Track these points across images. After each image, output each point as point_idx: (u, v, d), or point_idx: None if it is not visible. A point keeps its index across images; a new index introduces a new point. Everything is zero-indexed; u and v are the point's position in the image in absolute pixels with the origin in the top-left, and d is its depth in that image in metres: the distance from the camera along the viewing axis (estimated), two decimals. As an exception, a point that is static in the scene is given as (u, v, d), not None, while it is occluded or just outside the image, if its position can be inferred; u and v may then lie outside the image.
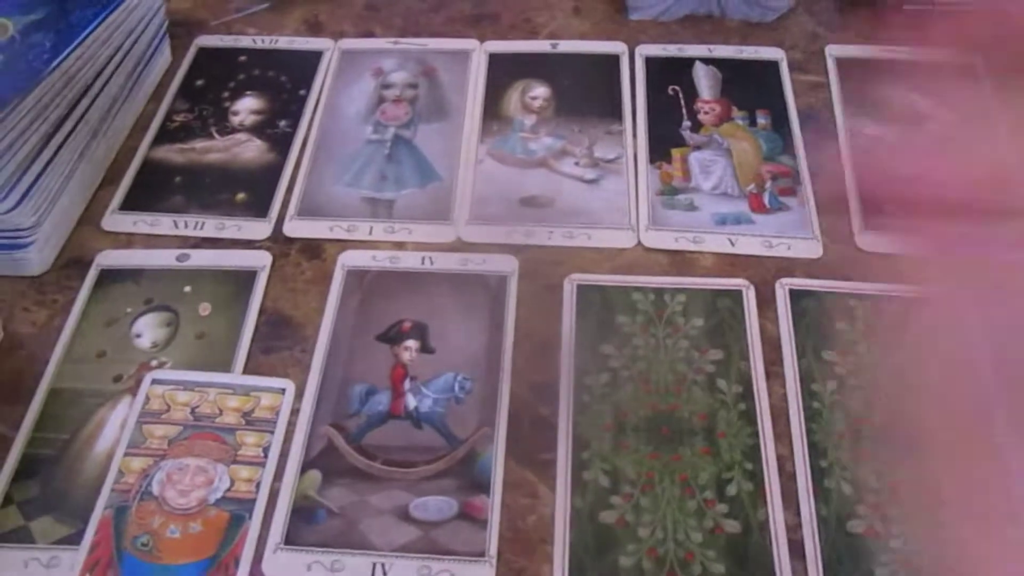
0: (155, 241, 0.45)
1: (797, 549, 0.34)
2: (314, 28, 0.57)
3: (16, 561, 0.35)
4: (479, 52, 0.54)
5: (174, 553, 0.35)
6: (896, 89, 0.50)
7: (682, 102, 0.50)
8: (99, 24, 0.46)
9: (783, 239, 0.44)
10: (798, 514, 0.35)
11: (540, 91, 0.52)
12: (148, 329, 0.42)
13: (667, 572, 0.34)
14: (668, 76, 0.52)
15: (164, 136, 0.50)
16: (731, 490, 0.36)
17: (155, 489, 0.37)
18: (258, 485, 0.37)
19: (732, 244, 0.44)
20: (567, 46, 0.54)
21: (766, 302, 0.42)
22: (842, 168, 0.47)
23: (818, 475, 0.36)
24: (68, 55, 0.44)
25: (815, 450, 0.37)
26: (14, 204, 0.41)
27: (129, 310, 0.43)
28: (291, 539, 0.35)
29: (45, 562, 0.35)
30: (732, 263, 0.43)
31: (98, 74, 0.47)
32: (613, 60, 0.53)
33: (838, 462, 0.36)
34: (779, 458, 0.36)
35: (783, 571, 0.34)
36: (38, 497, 0.37)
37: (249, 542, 0.35)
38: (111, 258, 0.45)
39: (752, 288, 0.42)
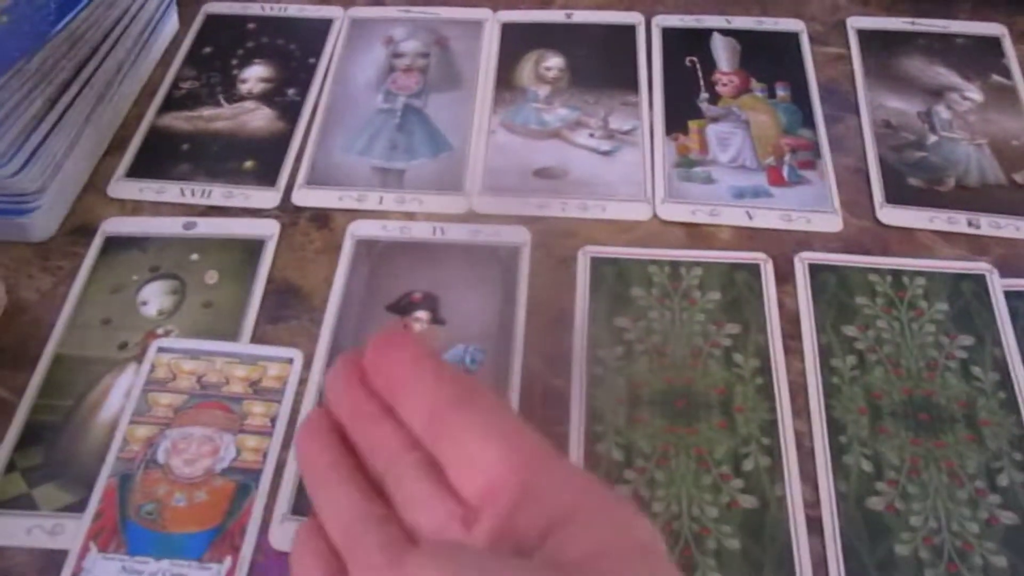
0: (162, 209, 0.45)
1: (815, 525, 0.33)
2: (324, -3, 0.56)
3: (19, 528, 0.35)
4: (492, 21, 0.53)
5: (180, 522, 0.35)
6: (919, 62, 0.49)
7: (699, 73, 0.49)
8: (105, -13, 0.45)
9: (802, 212, 0.43)
10: (816, 490, 0.34)
11: (554, 61, 0.51)
12: (154, 297, 0.42)
13: (681, 547, 0.33)
14: (685, 47, 0.51)
15: (171, 103, 0.49)
16: (747, 465, 0.35)
17: (161, 458, 0.36)
18: (265, 455, 0.36)
19: (750, 218, 0.43)
20: (582, 16, 0.53)
21: (784, 276, 0.41)
22: (863, 142, 0.46)
23: (837, 451, 0.35)
24: (74, 17, 0.43)
25: (834, 426, 0.36)
26: (19, 168, 0.41)
27: (135, 277, 0.42)
28: (298, 509, 0.34)
29: (48, 529, 0.35)
30: (750, 237, 0.42)
31: (104, 37, 0.46)
32: (629, 31, 0.52)
33: (857, 438, 0.35)
34: (797, 434, 0.36)
35: (800, 547, 0.33)
36: (42, 464, 0.37)
37: (255, 512, 0.35)
38: (117, 225, 0.44)
39: (770, 262, 0.41)
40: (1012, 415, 0.36)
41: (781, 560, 0.33)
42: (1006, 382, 0.37)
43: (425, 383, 0.23)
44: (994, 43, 0.50)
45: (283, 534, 0.34)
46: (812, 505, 0.34)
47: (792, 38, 0.51)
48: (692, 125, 0.47)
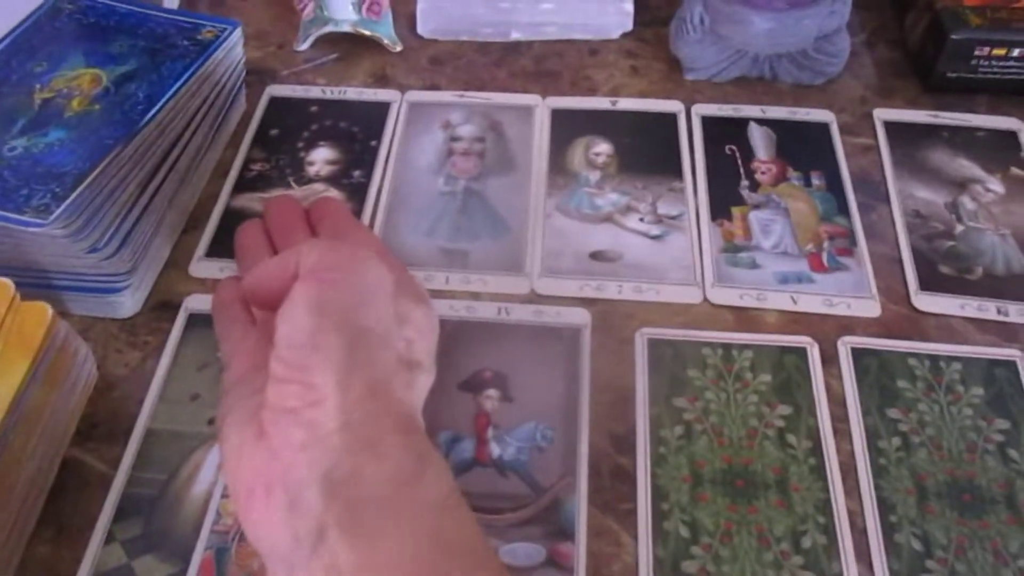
0: (241, 286, 0.47)
1: (872, 602, 0.36)
2: (381, 80, 0.59)
3: (119, 599, 0.37)
4: (542, 107, 0.56)
5: (275, 592, 0.37)
6: (943, 154, 0.53)
7: (739, 161, 0.53)
8: (190, 77, 0.48)
9: (843, 298, 0.46)
10: (871, 568, 0.37)
11: (603, 147, 0.54)
12: (234, 372, 0.44)
13: (749, 621, 0.35)
14: (724, 135, 0.54)
15: (243, 184, 0.52)
16: (806, 543, 0.37)
17: (251, 530, 0.38)
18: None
19: (794, 302, 0.46)
20: (626, 103, 0.57)
21: (830, 359, 0.44)
22: (895, 230, 0.49)
23: (888, 530, 0.38)
24: (163, 105, 0.46)
25: (884, 505, 0.38)
26: (114, 251, 0.43)
27: (219, 354, 0.44)
28: None
29: (149, 600, 0.37)
30: (795, 320, 0.45)
31: (188, 124, 0.49)
32: (671, 118, 0.56)
33: (907, 517, 0.38)
34: (850, 513, 0.38)
35: (860, 623, 0.35)
36: (140, 536, 0.39)
37: (346, 584, 0.37)
38: (199, 302, 0.46)
39: (816, 345, 0.44)
40: (1046, 497, 0.39)
41: (842, 635, 0.35)
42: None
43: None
44: (1012, 137, 0.54)
45: (375, 606, 0.36)
46: (868, 582, 0.36)
47: (824, 128, 0.55)
48: (736, 211, 0.50)
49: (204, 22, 0.53)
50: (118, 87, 0.48)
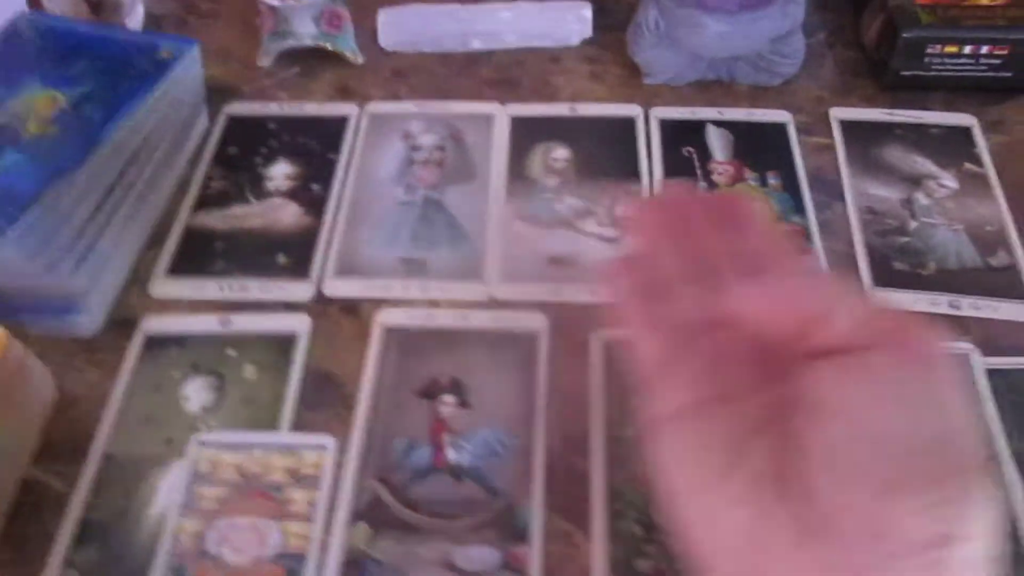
0: (201, 305, 0.47)
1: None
2: (343, 92, 0.60)
3: (78, 623, 0.37)
4: (502, 115, 0.57)
5: (234, 608, 0.37)
6: (897, 151, 0.53)
7: (696, 163, 0.53)
8: (147, 97, 0.49)
9: (798, 296, 0.46)
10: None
11: (561, 152, 0.54)
12: (195, 393, 0.44)
13: (703, 619, 0.35)
14: (682, 138, 0.55)
15: (203, 202, 0.52)
16: (760, 539, 0.38)
17: (211, 549, 0.39)
18: (309, 540, 0.38)
19: (750, 301, 0.46)
20: (585, 109, 0.57)
21: (784, 356, 0.44)
22: (850, 228, 0.49)
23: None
24: (118, 127, 0.47)
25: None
26: (71, 271, 0.43)
27: (176, 375, 0.45)
28: (343, 591, 0.37)
29: (107, 626, 0.37)
30: (751, 319, 0.45)
31: (144, 143, 0.49)
32: (629, 123, 0.56)
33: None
34: (804, 508, 0.38)
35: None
36: (97, 561, 0.39)
37: (303, 595, 0.37)
38: (156, 324, 0.47)
39: (771, 343, 0.44)
40: (999, 490, 0.39)
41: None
42: (991, 455, 0.40)
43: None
44: (965, 133, 0.54)
45: (330, 616, 0.36)
46: None
47: (781, 129, 0.55)
48: (692, 214, 0.50)
49: (162, 42, 0.53)
50: (76, 108, 0.49)
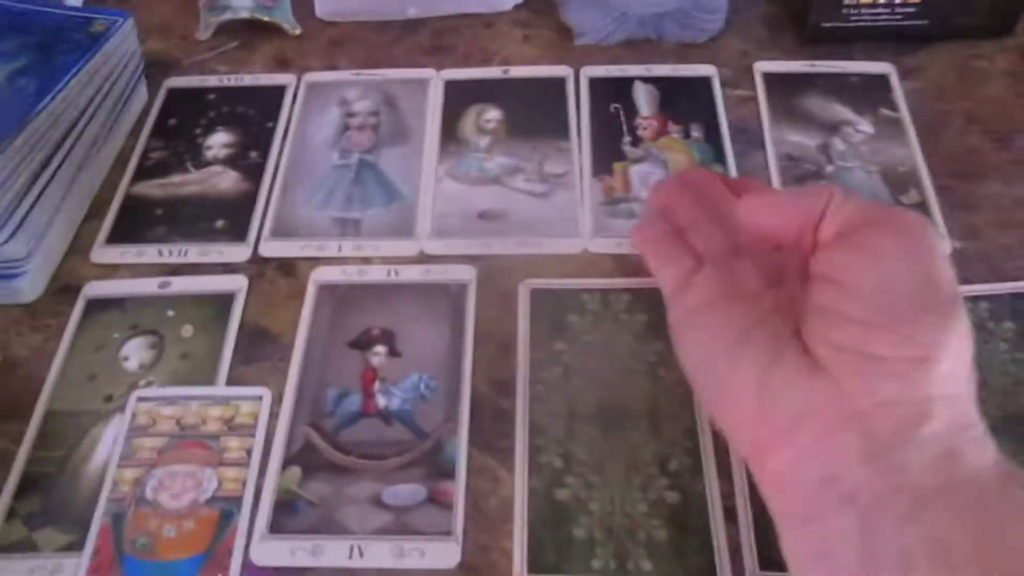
0: (142, 269, 0.49)
1: (731, 514, 0.38)
2: (282, 64, 0.61)
3: (22, 570, 0.38)
4: (436, 80, 0.58)
5: (172, 550, 0.38)
6: (817, 100, 0.55)
7: (623, 119, 0.55)
8: (80, 69, 0.50)
9: (716, 240, 0.48)
10: (731, 482, 0.39)
11: (493, 114, 0.56)
12: (135, 352, 0.46)
13: (615, 540, 0.37)
14: (610, 95, 0.56)
15: (143, 173, 0.54)
16: (672, 465, 0.40)
17: (149, 495, 0.40)
18: (244, 483, 0.40)
19: (670, 246, 0.48)
20: (518, 71, 0.59)
21: (702, 297, 0.46)
22: (769, 174, 0.51)
23: (750, 448, 0.40)
24: (52, 99, 0.48)
25: (747, 427, 0.41)
26: (7, 236, 0.45)
27: (116, 335, 0.46)
28: (276, 529, 0.39)
29: (50, 569, 0.38)
30: (670, 263, 0.47)
31: (80, 114, 0.50)
32: (560, 83, 0.58)
33: (767, 436, 0.40)
34: (715, 435, 0.40)
35: (718, 533, 0.37)
36: (40, 511, 0.40)
37: (239, 534, 0.39)
38: (97, 288, 0.48)
39: (689, 285, 0.46)
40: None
41: (702, 546, 0.37)
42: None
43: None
44: (883, 80, 0.56)
45: (264, 551, 0.38)
46: (728, 496, 0.39)
47: (705, 83, 0.57)
48: (617, 167, 0.52)
49: (95, 16, 0.54)
50: (11, 83, 0.50)
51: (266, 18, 0.61)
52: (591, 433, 0.41)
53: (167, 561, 0.38)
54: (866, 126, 0.53)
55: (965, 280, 0.46)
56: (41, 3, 0.55)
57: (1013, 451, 0.38)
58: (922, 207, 0.49)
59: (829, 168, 0.51)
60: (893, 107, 0.54)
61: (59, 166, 0.48)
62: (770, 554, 0.37)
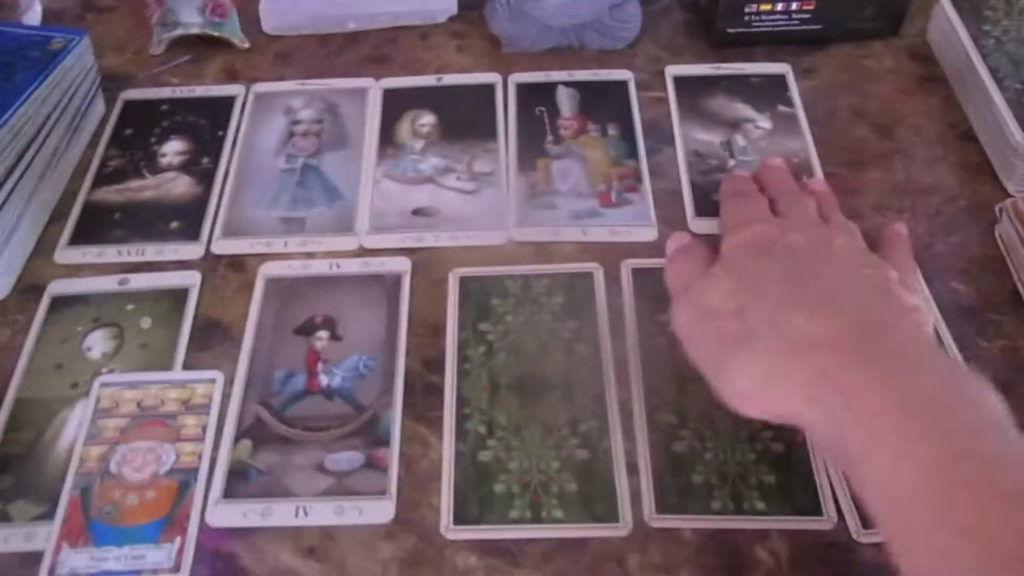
0: (102, 268, 0.53)
1: (633, 468, 0.43)
2: (232, 75, 0.65)
3: (-3, 538, 0.43)
4: (375, 89, 0.63)
5: (135, 516, 0.43)
6: (722, 100, 0.60)
7: (546, 120, 0.60)
8: (39, 85, 0.54)
9: (626, 227, 0.53)
10: (634, 441, 0.44)
11: (428, 119, 0.61)
12: (97, 343, 0.50)
13: (531, 493, 0.42)
14: (536, 99, 0.61)
15: (102, 179, 0.58)
16: (582, 427, 0.45)
17: (113, 469, 0.44)
18: (200, 456, 0.45)
19: (584, 234, 0.53)
20: (451, 79, 0.64)
21: (614, 280, 0.51)
22: (678, 168, 0.57)
23: (651, 410, 0.45)
24: (13, 113, 0.52)
25: (649, 392, 0.46)
26: (-24, 241, 0.49)
27: (80, 328, 0.50)
28: (229, 494, 0.43)
29: (23, 536, 0.43)
30: (585, 250, 0.52)
31: (41, 126, 0.54)
32: (490, 88, 0.63)
33: (668, 400, 0.45)
34: (620, 400, 0.46)
35: (622, 484, 0.43)
36: (13, 486, 0.44)
37: (196, 501, 0.43)
38: (61, 286, 0.52)
39: (601, 269, 0.51)
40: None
41: (607, 495, 0.42)
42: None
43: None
44: (781, 79, 0.62)
45: (218, 514, 0.43)
46: (630, 453, 0.44)
47: (622, 86, 0.62)
48: (540, 163, 0.57)
49: (53, 34, 0.58)
50: (-25, 98, 0.53)
51: (216, 33, 0.66)
52: (512, 402, 0.46)
53: (131, 526, 0.43)
54: (765, 122, 0.59)
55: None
56: (2, 24, 0.59)
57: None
58: (812, 194, 0.55)
59: (731, 162, 0.57)
60: (789, 104, 0.60)
61: (22, 175, 0.53)
62: (666, 500, 0.42)
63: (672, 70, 0.63)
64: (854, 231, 0.45)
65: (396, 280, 0.52)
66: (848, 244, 0.43)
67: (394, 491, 0.43)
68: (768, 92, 0.61)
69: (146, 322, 0.50)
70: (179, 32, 0.65)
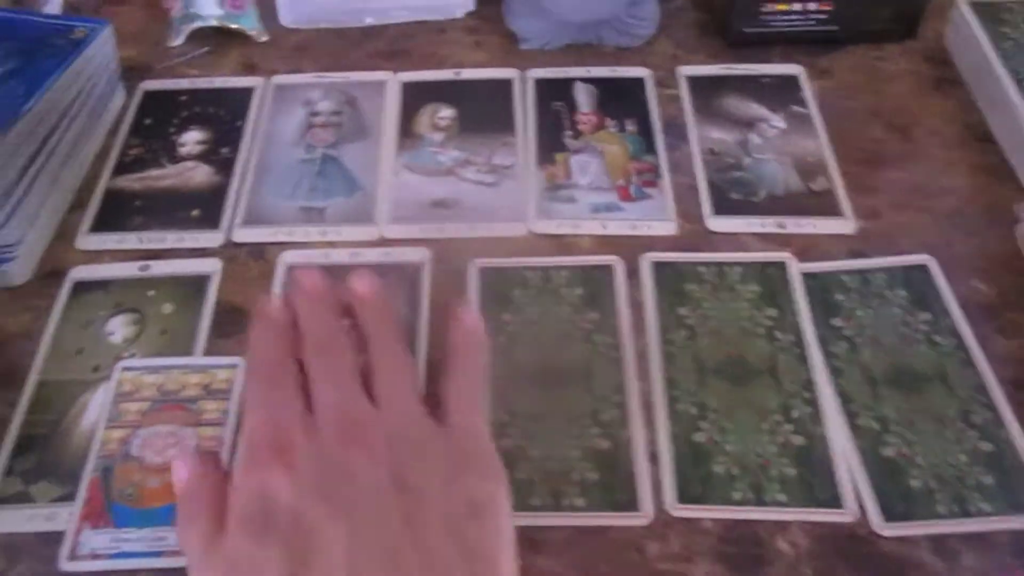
0: (123, 255, 0.53)
1: (653, 458, 0.43)
2: (249, 68, 0.66)
3: (20, 518, 0.43)
4: (393, 81, 0.63)
5: (155, 498, 0.43)
6: (735, 99, 0.61)
7: (564, 115, 0.60)
8: (62, 73, 0.54)
9: (646, 221, 0.54)
10: (655, 430, 0.44)
11: (447, 112, 0.61)
12: (119, 328, 0.50)
13: (551, 482, 0.43)
14: (553, 94, 0.62)
15: (122, 168, 0.58)
16: (604, 416, 0.45)
17: (134, 452, 0.45)
18: (221, 440, 0.45)
19: (604, 228, 0.53)
20: (469, 74, 0.64)
21: (633, 272, 0.51)
22: (694, 166, 0.57)
23: (671, 401, 0.45)
24: (39, 99, 0.52)
25: (670, 383, 0.46)
26: (2, 223, 0.49)
27: (101, 313, 0.50)
28: (251, 478, 0.43)
29: (46, 516, 0.43)
30: (605, 243, 0.53)
31: (63, 115, 0.55)
32: (507, 84, 0.63)
33: (688, 392, 0.46)
34: (642, 392, 0.46)
35: (642, 474, 0.43)
36: (35, 467, 0.44)
37: (216, 484, 0.43)
38: (83, 272, 0.52)
39: (622, 262, 0.52)
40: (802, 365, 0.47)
41: (628, 484, 0.43)
42: (800, 341, 0.48)
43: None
44: (793, 80, 0.62)
45: (240, 498, 0.43)
46: (651, 443, 0.44)
47: (639, 83, 0.63)
48: (558, 157, 0.58)
49: (76, 23, 0.59)
50: (2, 84, 0.54)
51: (234, 26, 0.66)
52: (532, 391, 0.46)
53: (151, 508, 0.43)
54: (779, 121, 0.59)
55: (865, 255, 0.52)
56: (26, 12, 0.59)
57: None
58: (828, 193, 0.55)
59: (747, 160, 0.57)
60: (803, 104, 0.60)
61: (46, 161, 0.53)
62: (687, 490, 0.42)
63: (684, 70, 0.64)
64: (408, 389, 0.39)
65: (416, 270, 0.52)
66: (402, 473, 0.34)
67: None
68: (780, 92, 0.61)
69: (167, 308, 0.51)
70: (197, 24, 0.66)
